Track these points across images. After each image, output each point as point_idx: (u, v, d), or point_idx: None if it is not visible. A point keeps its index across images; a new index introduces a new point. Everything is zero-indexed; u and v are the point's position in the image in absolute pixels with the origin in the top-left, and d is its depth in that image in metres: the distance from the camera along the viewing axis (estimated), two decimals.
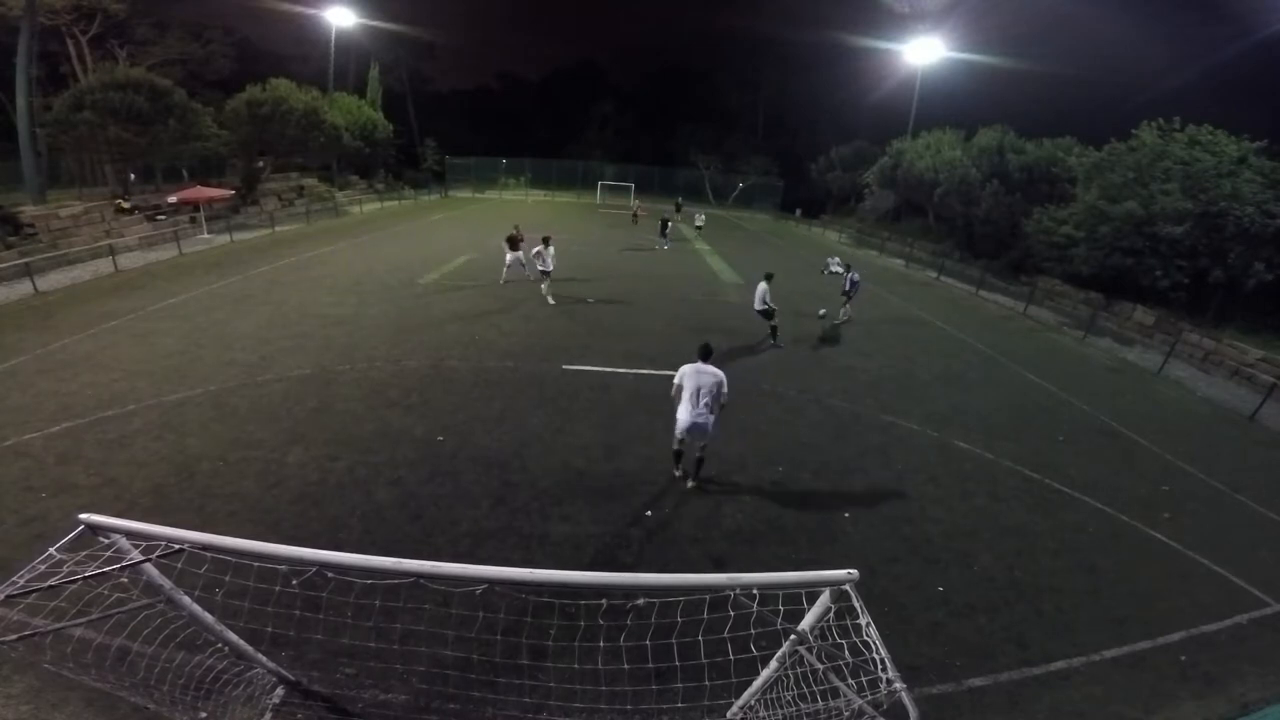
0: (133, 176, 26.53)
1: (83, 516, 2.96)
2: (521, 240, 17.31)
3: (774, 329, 13.70)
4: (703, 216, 33.68)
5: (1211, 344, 16.56)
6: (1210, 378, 15.39)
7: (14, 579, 2.77)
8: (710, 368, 6.92)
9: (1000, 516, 7.54)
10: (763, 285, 13.50)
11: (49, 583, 2.83)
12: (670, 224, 28.15)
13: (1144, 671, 5.31)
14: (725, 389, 6.91)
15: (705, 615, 3.34)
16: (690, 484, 7.38)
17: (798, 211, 47.50)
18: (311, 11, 40.63)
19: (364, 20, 41.92)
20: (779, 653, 3.54)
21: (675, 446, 7.41)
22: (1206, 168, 18.55)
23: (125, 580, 3.16)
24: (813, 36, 48.95)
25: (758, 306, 13.57)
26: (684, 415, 6.88)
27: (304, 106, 31.12)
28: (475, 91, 68.79)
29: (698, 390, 6.81)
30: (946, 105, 35.34)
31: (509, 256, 17.08)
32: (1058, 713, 4.84)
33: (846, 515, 7.23)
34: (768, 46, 53.76)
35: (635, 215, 35.81)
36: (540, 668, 4.61)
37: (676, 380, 6.94)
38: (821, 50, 49.11)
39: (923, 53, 36.12)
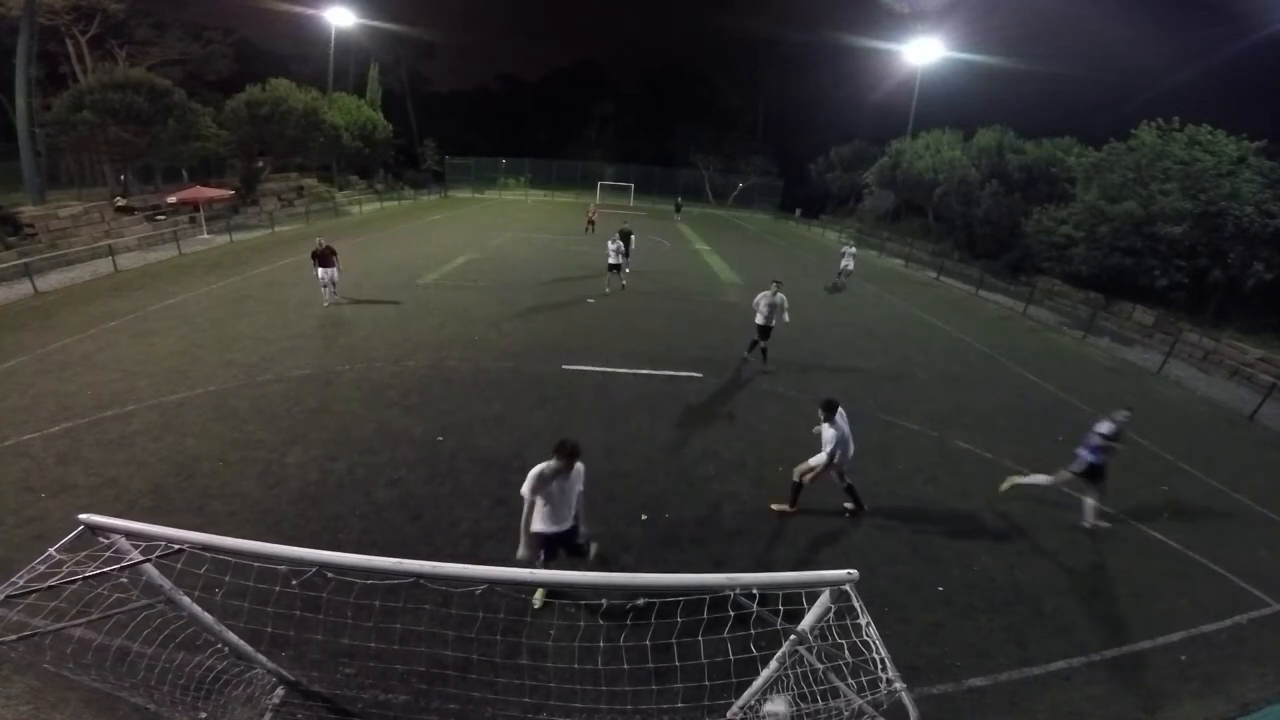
0: (122, 177, 26.25)
1: (82, 517, 2.96)
2: (334, 255, 14.01)
3: (758, 345, 11.91)
4: (619, 244, 17.56)
5: (1211, 344, 16.57)
6: (1209, 377, 15.40)
7: (14, 579, 2.77)
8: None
9: (1000, 515, 7.54)
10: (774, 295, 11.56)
11: (49, 583, 2.83)
12: (634, 238, 20.11)
13: (1144, 671, 5.31)
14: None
15: (705, 615, 3.33)
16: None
17: (797, 211, 47.53)
18: (311, 12, 40.68)
19: (364, 20, 41.93)
20: (779, 653, 3.54)
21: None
22: (1206, 168, 18.57)
23: (125, 580, 3.16)
24: (812, 36, 49.07)
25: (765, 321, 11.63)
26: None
27: (303, 107, 31.11)
28: (475, 92, 68.79)
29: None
30: (946, 105, 35.36)
31: (321, 274, 14.01)
32: (1058, 713, 4.84)
33: (846, 515, 7.22)
34: (767, 46, 53.79)
35: (591, 221, 29.03)
36: (540, 668, 4.61)
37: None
38: (821, 50, 49.22)
39: (922, 53, 36.13)
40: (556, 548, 5.08)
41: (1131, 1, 32.79)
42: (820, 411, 6.80)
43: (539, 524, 4.91)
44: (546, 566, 5.04)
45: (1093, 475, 7.14)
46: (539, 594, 5.31)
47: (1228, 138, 19.02)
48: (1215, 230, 18.07)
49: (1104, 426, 7.03)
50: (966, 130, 32.09)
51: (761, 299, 11.56)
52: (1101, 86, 33.64)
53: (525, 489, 4.78)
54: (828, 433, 6.67)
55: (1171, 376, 14.91)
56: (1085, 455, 7.11)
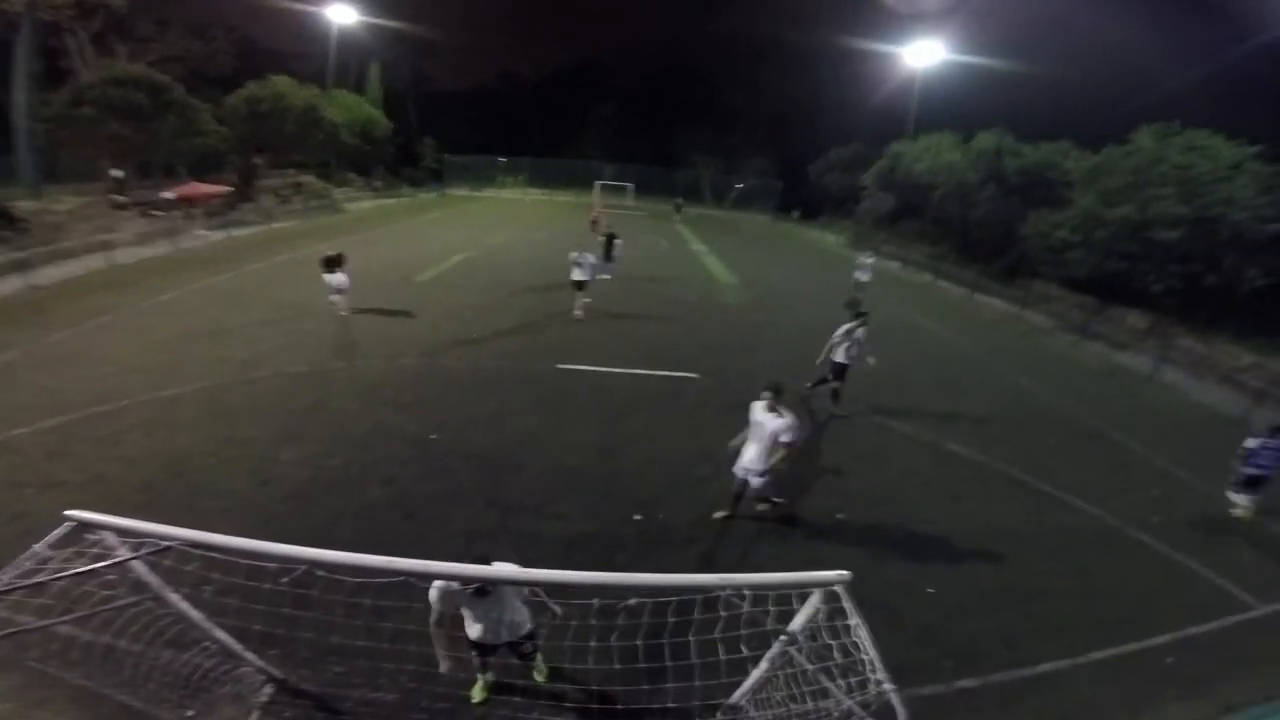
0: (113, 173, 25.81)
1: (70, 513, 2.95)
2: (344, 261, 12.96)
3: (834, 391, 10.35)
4: (588, 256, 14.55)
5: (1204, 349, 16.63)
6: (1202, 383, 15.42)
7: None
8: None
9: (992, 519, 7.56)
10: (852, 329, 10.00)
11: (35, 580, 2.82)
12: (619, 243, 20.15)
13: (1131, 673, 5.33)
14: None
15: (697, 615, 3.34)
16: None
17: (796, 213, 47.56)
18: (313, 9, 40.58)
19: (365, 18, 41.85)
20: (769, 653, 3.54)
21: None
22: (1203, 173, 18.63)
23: (113, 577, 3.15)
24: (813, 39, 49.08)
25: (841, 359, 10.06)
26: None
27: (303, 103, 31.06)
28: (475, 90, 68.56)
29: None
30: (945, 108, 35.37)
31: (330, 280, 12.81)
32: (1045, 714, 4.86)
33: (839, 517, 7.23)
34: (768, 48, 53.82)
35: (594, 222, 25.88)
36: (531, 667, 4.60)
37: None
38: (821, 52, 49.19)
39: (922, 55, 36.24)
40: (494, 653, 4.30)
41: (1131, 5, 32.86)
42: (767, 396, 6.23)
43: (471, 630, 4.11)
44: (484, 668, 4.40)
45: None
46: (479, 687, 4.48)
47: (1225, 142, 19.09)
48: (1211, 235, 18.14)
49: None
50: (965, 133, 32.13)
51: (842, 333, 9.95)
52: (1100, 89, 33.67)
53: (431, 596, 3.87)
54: (778, 422, 6.11)
55: (1164, 381, 14.96)
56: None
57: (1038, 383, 13.30)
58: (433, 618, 3.90)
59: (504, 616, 4.02)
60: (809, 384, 10.48)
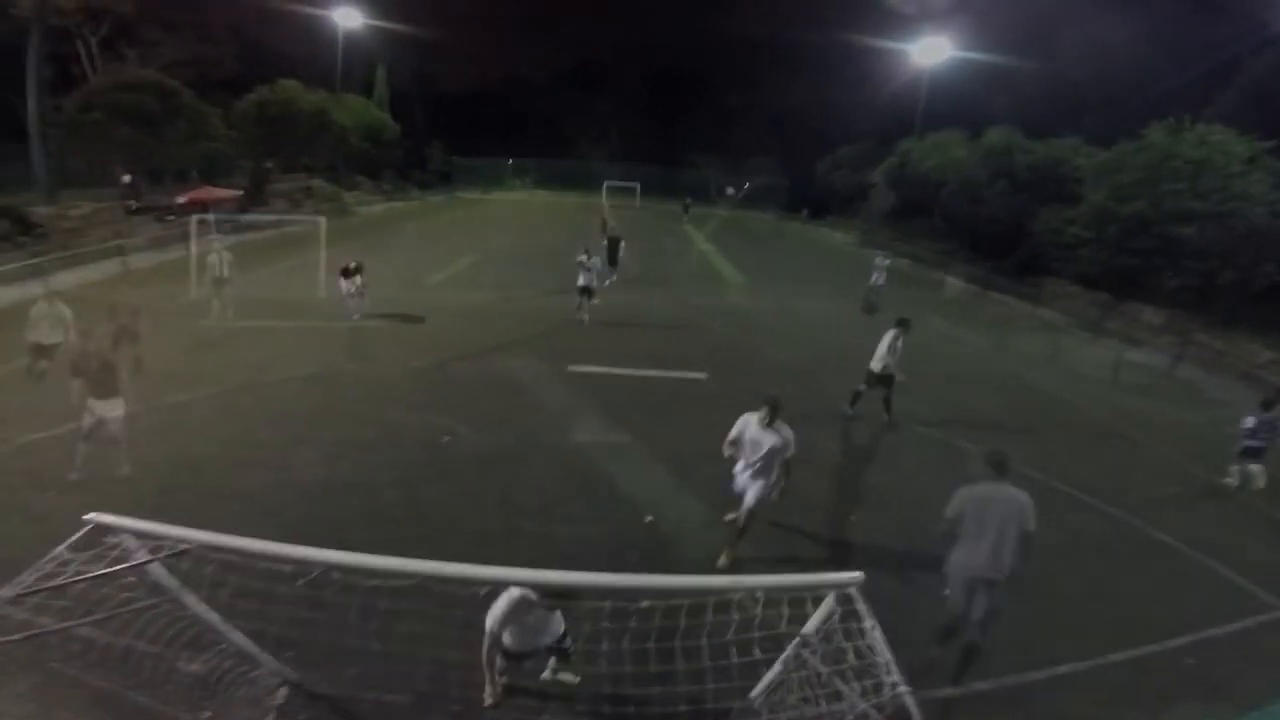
0: (123, 177, 25.96)
1: (90, 516, 2.99)
2: (361, 270, 13.44)
3: (886, 400, 10.04)
4: (592, 259, 14.63)
5: (1221, 345, 16.41)
6: (1220, 379, 15.22)
7: (21, 578, 2.79)
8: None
9: None
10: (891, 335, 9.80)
11: (56, 582, 2.86)
12: (623, 245, 19.23)
13: (1150, 675, 5.26)
14: None
15: (709, 618, 3.33)
16: None
17: (804, 212, 47.39)
18: (320, 13, 40.93)
19: (371, 22, 42.13)
20: (782, 655, 3.53)
21: None
22: (1216, 168, 18.40)
23: (132, 579, 3.18)
24: (819, 37, 49.14)
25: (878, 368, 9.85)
26: None
27: (312, 107, 31.31)
28: (481, 93, 68.93)
29: None
30: (953, 105, 35.17)
31: (345, 285, 13.29)
32: (1062, 716, 4.81)
33: (852, 518, 7.20)
34: (774, 47, 53.95)
35: (605, 225, 24.55)
36: (566, 668, 4.60)
37: None
38: (828, 51, 49.26)
39: (929, 53, 36.04)
40: (526, 660, 4.28)
41: (1139, 0, 32.48)
42: (765, 411, 5.77)
43: (506, 639, 4.03)
44: (501, 671, 4.27)
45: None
46: (489, 691, 4.24)
47: (1238, 137, 18.84)
48: (1226, 230, 17.90)
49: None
50: (974, 130, 31.92)
51: (887, 343, 9.75)
52: (1109, 86, 33.32)
53: (492, 622, 3.73)
54: (777, 439, 5.69)
55: (1181, 378, 14.79)
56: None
57: (1052, 380, 13.18)
58: (488, 641, 3.71)
59: (543, 624, 4.05)
60: (885, 415, 10.03)
